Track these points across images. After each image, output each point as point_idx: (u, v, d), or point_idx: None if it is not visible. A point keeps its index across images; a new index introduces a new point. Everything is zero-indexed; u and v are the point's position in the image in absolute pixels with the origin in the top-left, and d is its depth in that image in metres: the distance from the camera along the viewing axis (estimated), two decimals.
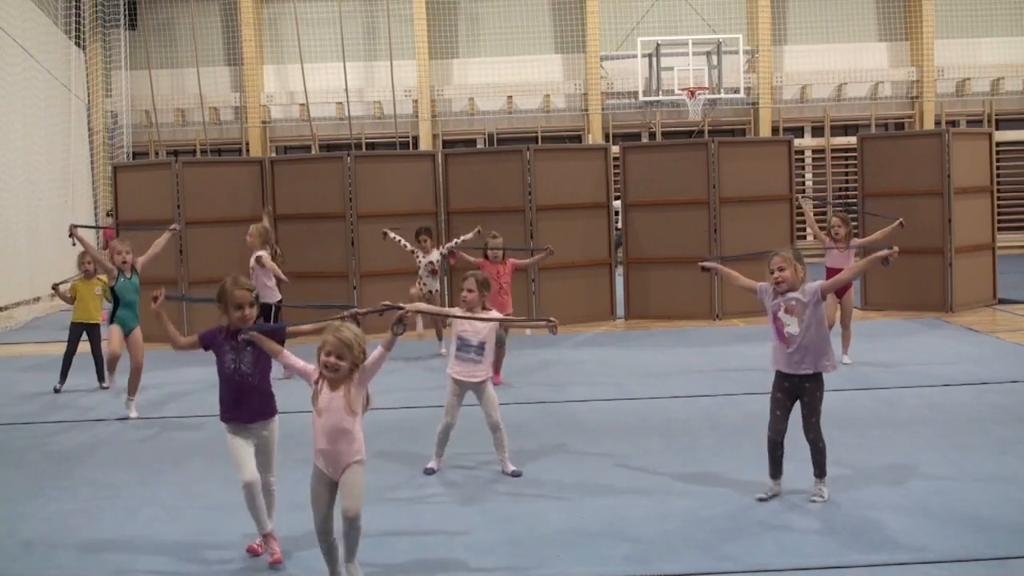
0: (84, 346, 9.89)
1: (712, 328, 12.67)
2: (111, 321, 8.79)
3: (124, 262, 8.72)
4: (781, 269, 5.59)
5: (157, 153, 23.30)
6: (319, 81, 22.88)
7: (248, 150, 23.19)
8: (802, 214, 13.47)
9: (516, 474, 6.33)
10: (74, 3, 21.41)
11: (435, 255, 10.98)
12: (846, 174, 23.92)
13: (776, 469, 5.70)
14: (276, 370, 5.26)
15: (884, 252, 6.32)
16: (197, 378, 9.92)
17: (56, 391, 9.64)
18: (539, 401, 8.63)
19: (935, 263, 13.21)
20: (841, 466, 6.26)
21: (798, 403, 5.68)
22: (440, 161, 13.76)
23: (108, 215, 18.20)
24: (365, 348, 4.52)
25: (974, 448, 6.63)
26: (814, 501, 5.58)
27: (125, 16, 22.43)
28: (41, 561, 5.12)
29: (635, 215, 13.68)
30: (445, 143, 23.49)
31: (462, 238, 11.16)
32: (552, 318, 5.45)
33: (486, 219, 12.97)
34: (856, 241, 10.17)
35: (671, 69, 22.53)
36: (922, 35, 23.34)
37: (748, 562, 4.78)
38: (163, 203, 13.01)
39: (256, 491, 4.94)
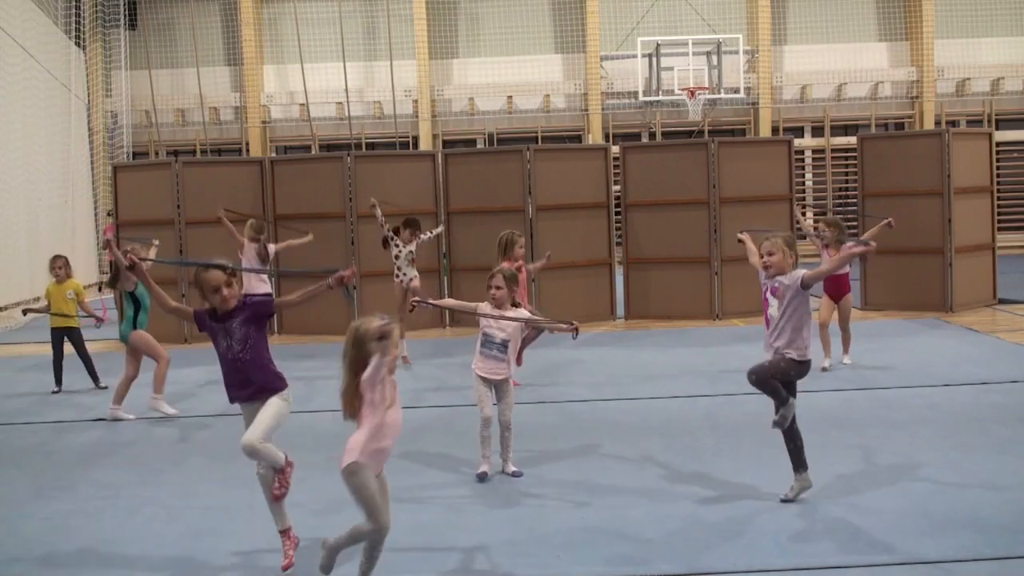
0: (88, 347, 9.89)
1: (712, 328, 12.67)
2: (133, 326, 8.56)
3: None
4: (771, 254, 5.73)
5: (157, 153, 23.31)
6: (319, 81, 22.89)
7: (248, 150, 23.20)
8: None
9: (517, 474, 6.33)
10: (74, 3, 21.42)
11: (413, 246, 10.76)
12: (846, 174, 23.93)
13: (794, 461, 5.68)
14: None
15: (858, 248, 6.34)
16: (198, 378, 9.93)
17: (55, 392, 9.64)
18: (539, 401, 8.62)
19: (935, 263, 13.21)
20: (841, 466, 6.26)
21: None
22: (440, 161, 13.76)
23: (108, 215, 18.19)
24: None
25: (974, 448, 6.62)
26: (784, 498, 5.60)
27: (125, 16, 22.44)
28: (41, 561, 5.11)
29: (635, 215, 13.68)
30: (445, 143, 23.50)
31: (434, 232, 11.59)
32: (574, 322, 5.46)
33: (486, 219, 12.99)
34: (847, 246, 9.92)
35: (671, 69, 22.54)
36: (922, 35, 23.35)
37: (748, 562, 4.78)
38: (163, 203, 13.01)
39: (266, 482, 4.94)
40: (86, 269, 20.10)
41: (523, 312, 6.62)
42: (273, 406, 4.71)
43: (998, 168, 16.91)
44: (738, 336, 11.80)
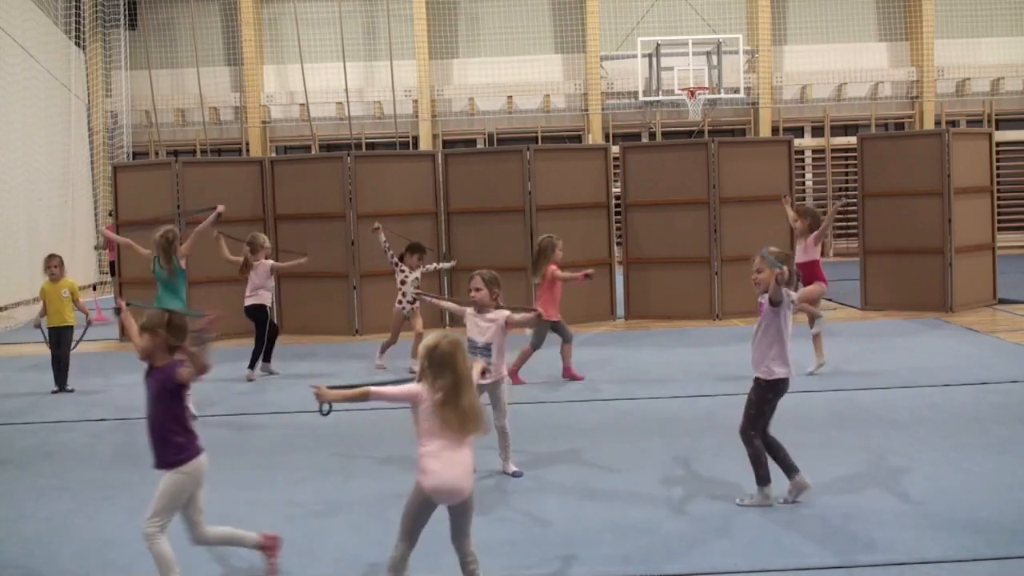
0: (87, 347, 9.90)
1: (712, 328, 12.67)
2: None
3: None
4: (759, 271, 5.60)
5: (157, 153, 23.31)
6: (319, 81, 22.89)
7: (248, 150, 23.20)
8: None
9: (517, 474, 6.33)
10: (74, 3, 21.42)
11: (419, 272, 10.39)
12: (846, 174, 23.93)
13: (786, 468, 5.66)
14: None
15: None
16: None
17: (55, 392, 9.64)
18: (539, 401, 8.62)
19: (935, 263, 13.21)
20: (841, 466, 6.26)
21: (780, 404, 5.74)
22: (440, 161, 13.76)
23: (108, 215, 18.20)
24: (429, 363, 4.29)
25: (974, 448, 6.62)
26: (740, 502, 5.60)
27: (125, 16, 22.44)
28: (41, 561, 5.11)
29: (635, 215, 13.67)
30: (445, 143, 23.50)
31: (441, 266, 11.74)
32: (536, 307, 5.36)
33: (486, 219, 12.99)
34: (813, 236, 9.68)
35: (671, 69, 22.54)
36: (922, 35, 23.35)
37: (747, 563, 4.78)
38: (163, 203, 13.00)
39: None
40: (86, 269, 20.10)
41: (504, 312, 6.42)
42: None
43: (998, 168, 16.91)
44: (738, 336, 11.79)
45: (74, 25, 21.45)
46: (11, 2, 17.46)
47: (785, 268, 5.39)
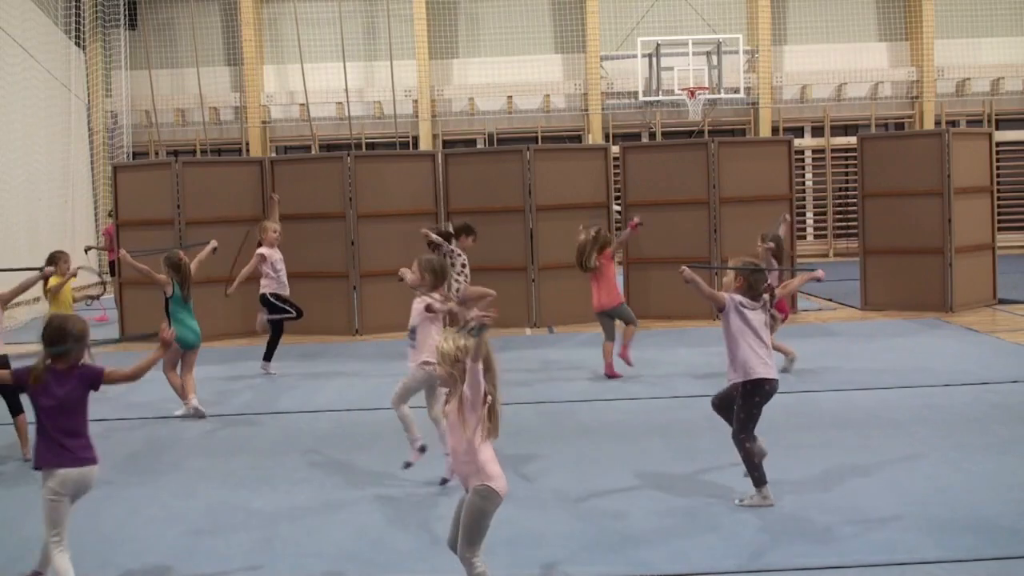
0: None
1: (712, 328, 12.64)
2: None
3: None
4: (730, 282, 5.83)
5: (157, 153, 23.30)
6: (319, 81, 22.88)
7: (248, 150, 23.19)
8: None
9: (408, 465, 6.37)
10: (74, 3, 21.41)
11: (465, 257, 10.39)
12: (846, 174, 23.92)
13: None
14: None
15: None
16: (200, 377, 9.92)
17: None
18: (539, 401, 8.63)
19: (935, 263, 13.21)
20: (841, 466, 6.27)
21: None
22: (440, 161, 13.76)
23: (108, 215, 18.21)
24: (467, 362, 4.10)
25: (974, 448, 6.63)
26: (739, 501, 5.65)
27: (125, 16, 22.43)
28: (41, 561, 5.12)
29: (635, 215, 13.63)
30: (445, 143, 23.49)
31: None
32: (487, 316, 5.16)
33: (486, 219, 12.98)
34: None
35: (671, 69, 22.51)
36: (922, 35, 23.34)
37: (747, 563, 4.78)
38: (163, 203, 13.00)
39: None
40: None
41: (435, 297, 6.36)
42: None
43: (998, 168, 16.90)
44: None
45: (74, 25, 21.44)
46: (11, 2, 17.45)
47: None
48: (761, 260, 9.10)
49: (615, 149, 14.71)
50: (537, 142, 22.74)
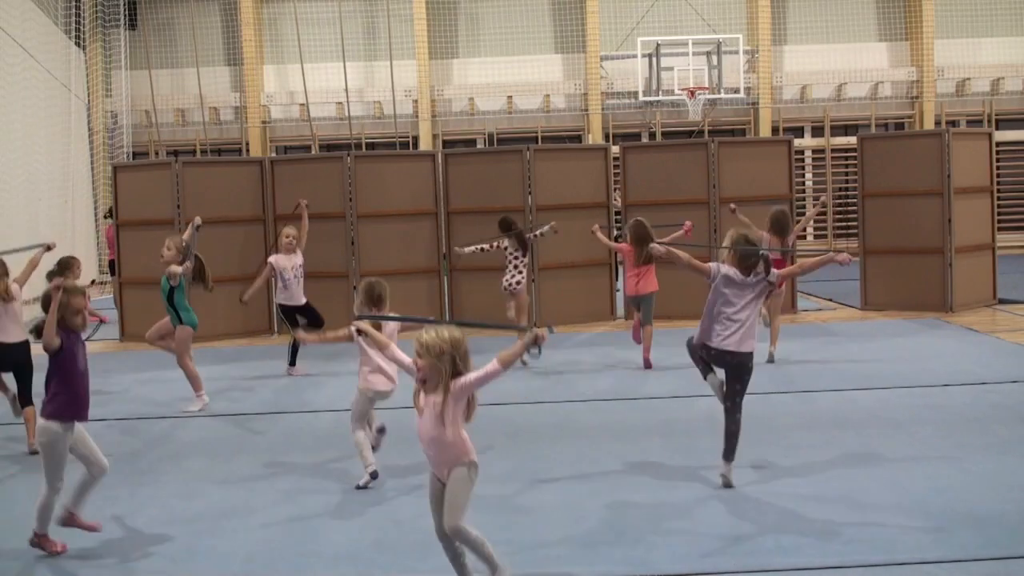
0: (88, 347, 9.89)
1: None
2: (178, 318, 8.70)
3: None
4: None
5: (157, 153, 23.30)
6: (319, 81, 22.88)
7: (248, 150, 23.19)
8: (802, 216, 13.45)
9: (360, 488, 6.20)
10: (74, 3, 21.42)
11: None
12: (846, 174, 23.92)
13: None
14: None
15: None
16: (201, 377, 9.91)
17: None
18: (539, 401, 8.63)
19: (935, 263, 13.21)
20: (841, 466, 6.27)
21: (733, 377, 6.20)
22: (440, 161, 13.76)
23: (108, 215, 18.21)
24: (459, 355, 4.21)
25: (974, 448, 6.63)
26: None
27: (125, 16, 22.43)
28: (42, 561, 5.12)
29: (635, 215, 13.63)
30: (445, 143, 23.49)
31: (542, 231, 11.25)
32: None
33: (486, 219, 12.96)
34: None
35: (671, 69, 22.52)
36: (922, 35, 23.34)
37: (746, 563, 4.78)
38: (163, 203, 13.00)
39: None
40: (86, 269, 20.07)
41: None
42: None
43: (998, 168, 16.90)
44: None
45: (74, 25, 21.44)
46: (11, 2, 17.45)
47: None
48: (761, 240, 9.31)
49: (615, 149, 14.71)
50: (537, 142, 22.75)
